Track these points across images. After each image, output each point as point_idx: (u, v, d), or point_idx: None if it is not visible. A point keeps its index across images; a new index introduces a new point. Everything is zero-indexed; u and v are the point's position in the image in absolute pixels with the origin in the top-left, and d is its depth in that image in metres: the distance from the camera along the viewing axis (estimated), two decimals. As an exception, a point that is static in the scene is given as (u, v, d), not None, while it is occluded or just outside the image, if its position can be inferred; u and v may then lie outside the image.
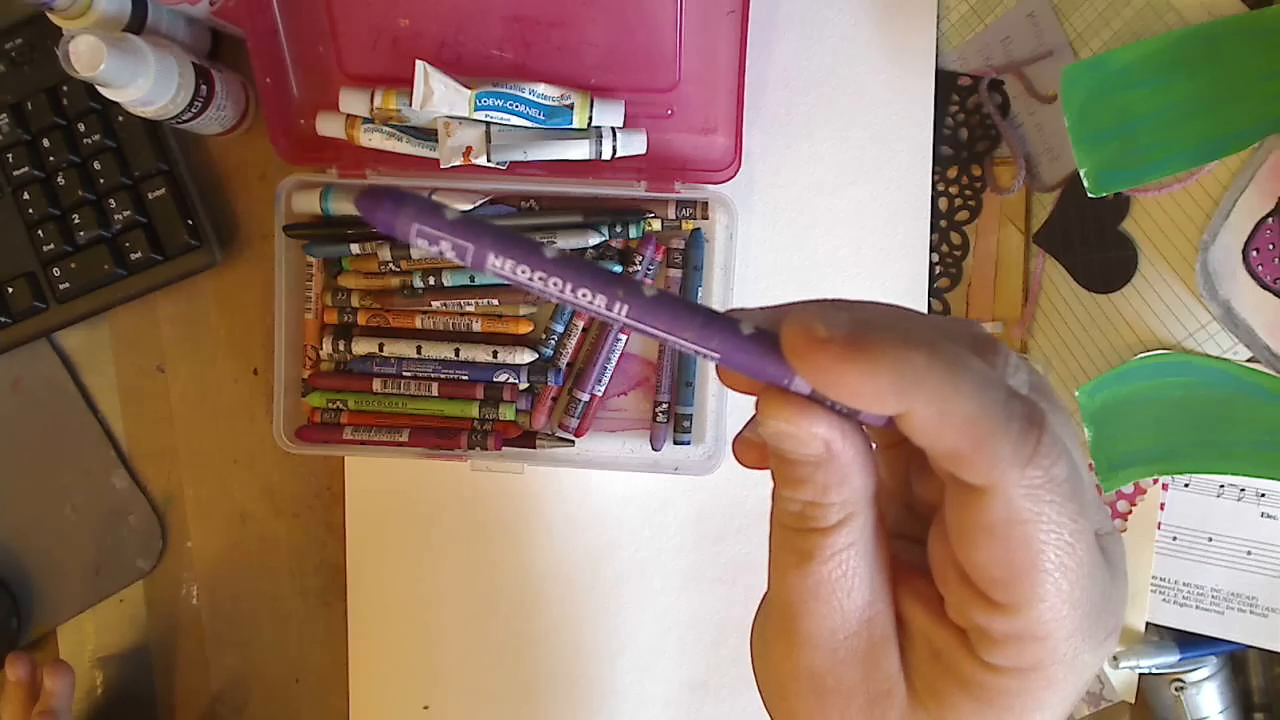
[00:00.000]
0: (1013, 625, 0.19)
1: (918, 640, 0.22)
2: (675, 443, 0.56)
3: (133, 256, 0.56)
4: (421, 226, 0.19)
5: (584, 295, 0.19)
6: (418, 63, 0.50)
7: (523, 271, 0.19)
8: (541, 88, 0.51)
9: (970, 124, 0.56)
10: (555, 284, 0.19)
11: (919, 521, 0.23)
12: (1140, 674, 0.55)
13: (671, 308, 0.20)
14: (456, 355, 0.56)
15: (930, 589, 0.22)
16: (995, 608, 0.20)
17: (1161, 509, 0.54)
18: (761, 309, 0.21)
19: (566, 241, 0.54)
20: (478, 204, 0.55)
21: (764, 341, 0.20)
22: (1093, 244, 0.53)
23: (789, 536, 0.21)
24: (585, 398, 0.56)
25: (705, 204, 0.55)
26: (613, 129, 0.52)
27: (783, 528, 0.21)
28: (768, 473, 0.22)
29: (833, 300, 0.21)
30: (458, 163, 0.51)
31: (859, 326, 0.18)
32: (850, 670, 0.21)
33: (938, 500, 0.21)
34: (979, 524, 0.19)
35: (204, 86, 0.53)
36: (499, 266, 0.19)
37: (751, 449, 0.23)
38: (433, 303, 0.56)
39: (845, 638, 0.21)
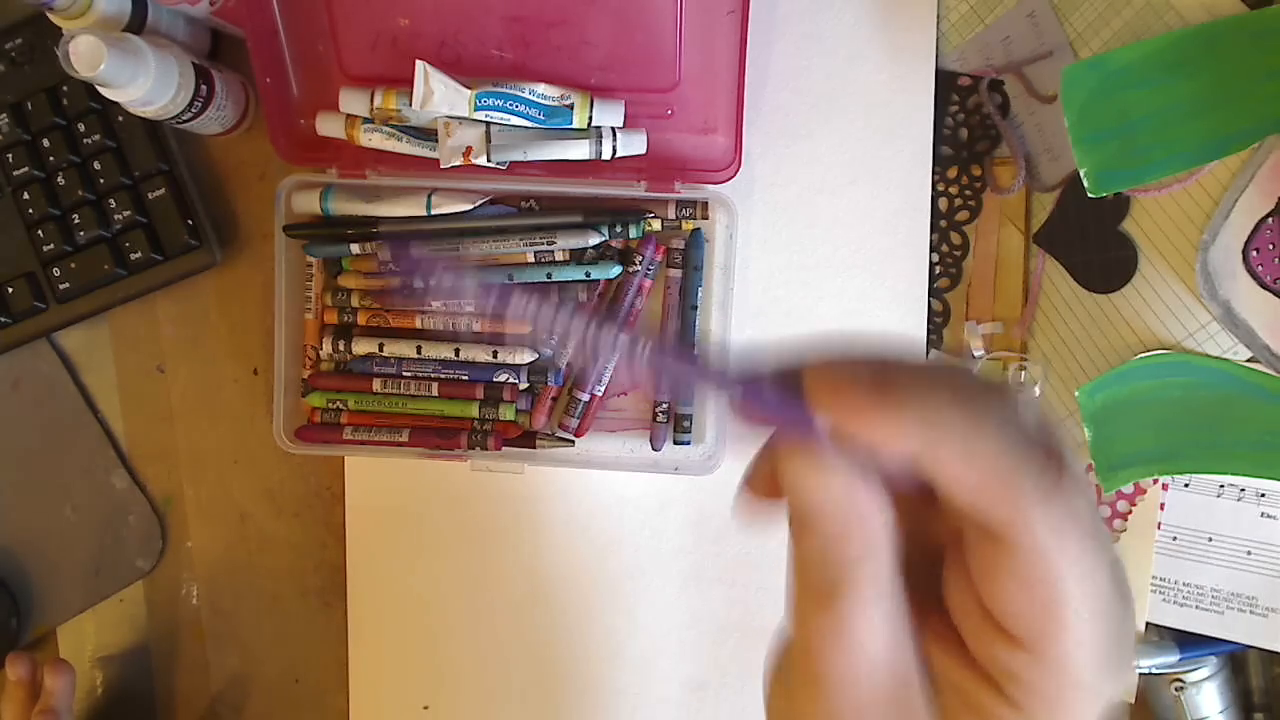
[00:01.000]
0: (1038, 662, 0.19)
1: (941, 680, 0.22)
2: (675, 443, 0.56)
3: (133, 256, 0.56)
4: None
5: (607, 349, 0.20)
6: (418, 63, 0.50)
7: (544, 324, 0.20)
8: (541, 88, 0.51)
9: (970, 124, 0.56)
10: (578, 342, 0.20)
11: (929, 562, 0.23)
12: (1140, 674, 0.55)
13: (688, 357, 0.21)
14: (456, 355, 0.56)
15: (949, 628, 0.21)
16: (1019, 645, 0.20)
17: (1161, 509, 0.54)
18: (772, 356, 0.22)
19: (566, 241, 0.54)
20: (478, 204, 0.55)
21: (785, 386, 0.20)
22: (1093, 244, 0.53)
23: (810, 580, 0.21)
24: (585, 398, 0.56)
25: (705, 204, 0.55)
26: (613, 129, 0.52)
27: (803, 572, 0.21)
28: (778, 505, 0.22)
29: (843, 348, 0.22)
30: (458, 163, 0.51)
31: (883, 369, 0.19)
32: (878, 713, 0.21)
33: (949, 540, 0.21)
34: (1002, 563, 0.19)
35: (204, 86, 0.53)
36: (522, 314, 0.20)
37: (764, 484, 0.23)
38: (433, 303, 0.56)
39: (872, 680, 0.21)
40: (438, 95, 0.50)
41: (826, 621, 0.20)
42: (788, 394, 0.20)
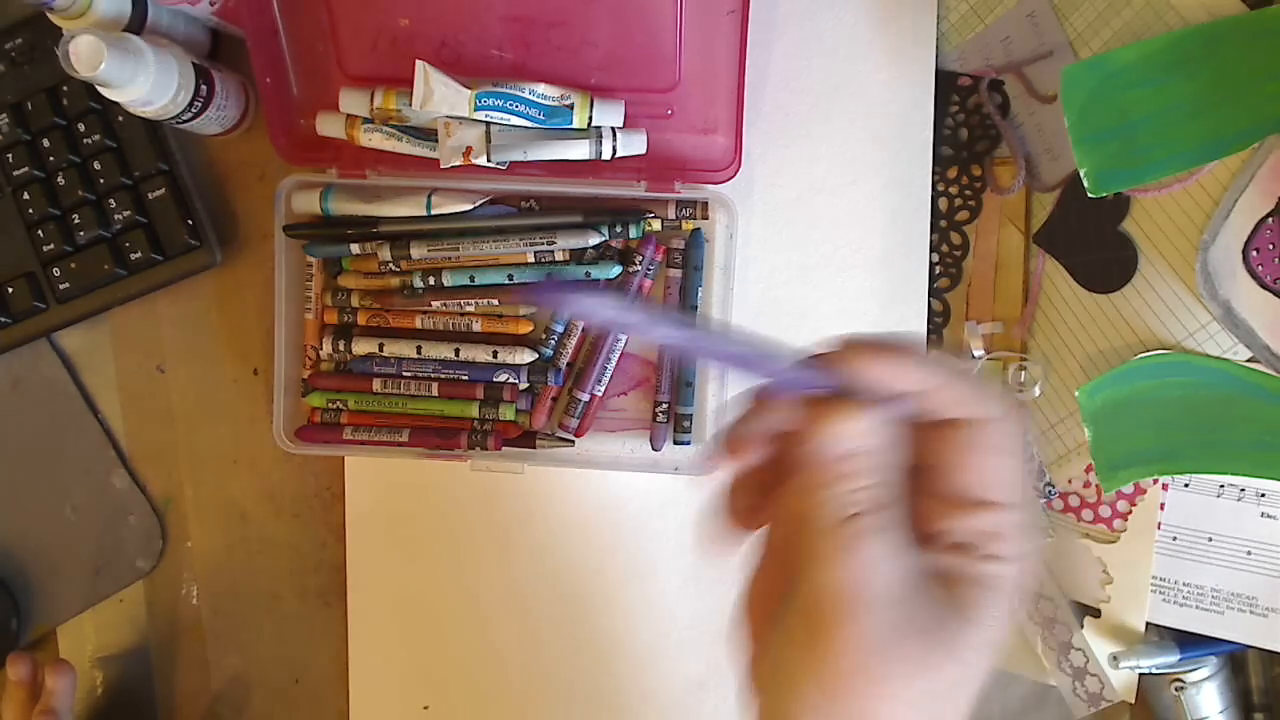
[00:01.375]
0: (1011, 510, 0.27)
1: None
2: (675, 443, 0.56)
3: (133, 256, 0.56)
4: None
5: (666, 336, 0.25)
6: (418, 63, 0.50)
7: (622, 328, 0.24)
8: (541, 88, 0.51)
9: (970, 124, 0.56)
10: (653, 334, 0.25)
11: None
12: (1140, 674, 0.55)
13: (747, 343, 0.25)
14: (456, 355, 0.56)
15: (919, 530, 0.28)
16: (995, 505, 0.27)
17: (1161, 509, 0.54)
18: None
19: (566, 241, 0.54)
20: (478, 204, 0.55)
21: (810, 363, 0.26)
22: (1093, 244, 0.53)
23: (836, 528, 0.25)
24: (585, 398, 0.56)
25: (705, 204, 0.55)
26: (613, 129, 0.52)
27: (824, 525, 0.25)
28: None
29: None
30: (458, 163, 0.51)
31: (889, 342, 0.26)
32: (903, 618, 0.25)
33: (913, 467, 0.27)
34: (973, 445, 0.27)
35: (204, 86, 0.53)
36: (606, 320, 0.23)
37: (744, 515, 0.29)
38: (433, 303, 0.56)
39: (893, 593, 0.25)
40: (438, 95, 0.50)
41: (859, 553, 0.25)
42: (811, 369, 0.26)
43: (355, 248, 0.56)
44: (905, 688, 0.25)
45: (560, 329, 0.56)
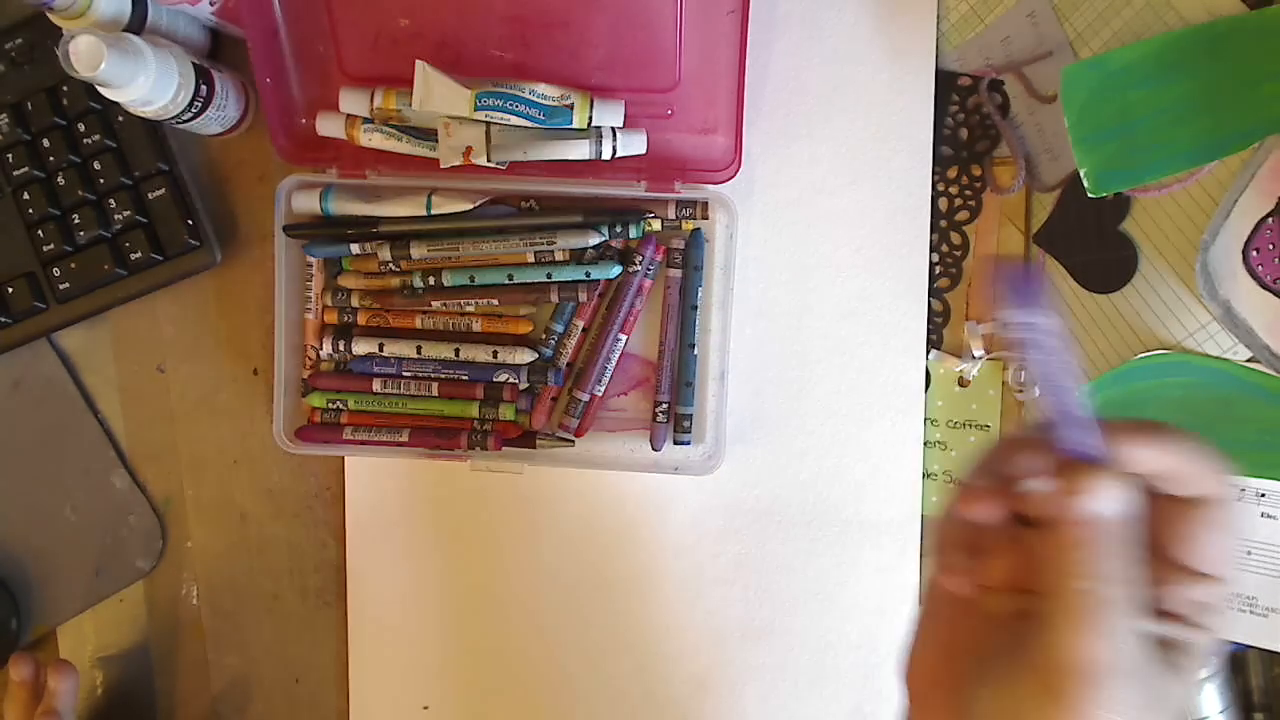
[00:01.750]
0: (1219, 584, 0.28)
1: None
2: (675, 443, 0.56)
3: (133, 256, 0.56)
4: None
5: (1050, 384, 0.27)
6: (418, 63, 0.50)
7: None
8: (541, 88, 0.51)
9: (970, 124, 0.56)
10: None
11: None
12: (1140, 674, 0.55)
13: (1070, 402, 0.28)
14: (456, 355, 0.56)
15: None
16: (1209, 580, 0.28)
17: (1161, 509, 0.54)
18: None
19: (566, 241, 0.54)
20: (478, 204, 0.55)
21: (1097, 427, 0.28)
22: (1093, 244, 0.53)
23: (1087, 592, 0.26)
24: (585, 398, 0.56)
25: (705, 204, 0.55)
26: (613, 129, 0.52)
27: (1081, 589, 0.26)
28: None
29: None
30: (458, 163, 0.51)
31: (1151, 425, 0.29)
32: (1147, 687, 0.26)
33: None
34: (1205, 521, 0.28)
35: (204, 86, 0.53)
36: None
37: (989, 502, 0.30)
38: (433, 303, 0.56)
39: (1137, 667, 0.26)
40: (438, 95, 0.50)
41: (1109, 621, 0.26)
42: (1094, 432, 0.28)
43: (355, 248, 0.56)
44: None
45: (560, 329, 0.56)
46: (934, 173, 0.56)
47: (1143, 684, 0.26)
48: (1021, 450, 0.29)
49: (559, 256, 0.55)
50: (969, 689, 0.29)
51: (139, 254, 0.56)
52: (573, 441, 0.57)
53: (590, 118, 0.52)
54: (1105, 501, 0.27)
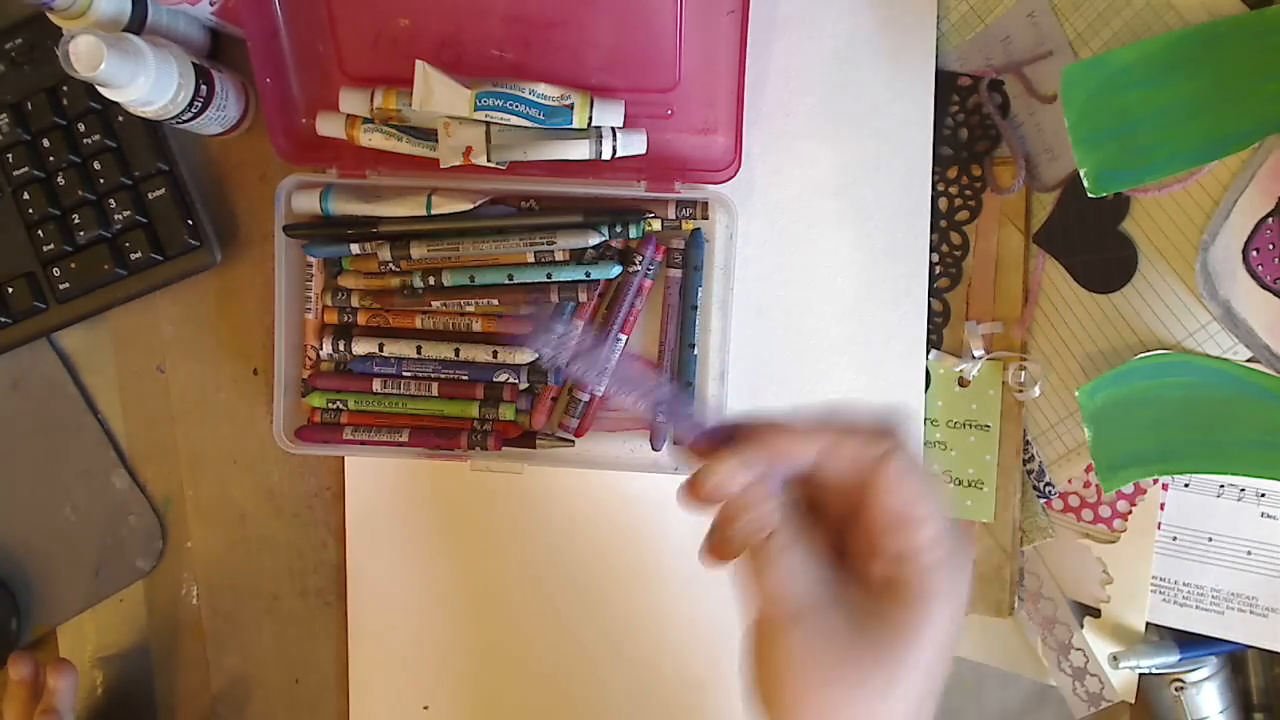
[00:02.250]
0: (924, 528, 0.31)
1: (849, 589, 0.32)
2: (675, 443, 0.56)
3: (133, 256, 0.56)
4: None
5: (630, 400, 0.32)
6: (418, 63, 0.50)
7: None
8: (541, 88, 0.51)
9: (970, 124, 0.56)
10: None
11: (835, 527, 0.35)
12: (1140, 674, 0.55)
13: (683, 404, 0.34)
14: (456, 355, 0.56)
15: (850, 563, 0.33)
16: (909, 521, 0.31)
17: (1161, 509, 0.54)
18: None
19: (566, 241, 0.54)
20: (478, 204, 0.55)
21: (720, 429, 0.33)
22: (1093, 244, 0.53)
23: (750, 562, 0.32)
24: (585, 398, 0.56)
25: (705, 204, 0.55)
26: (613, 129, 0.52)
27: (743, 561, 0.32)
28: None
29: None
30: (458, 163, 0.51)
31: (782, 423, 0.33)
32: (833, 629, 0.31)
33: (840, 510, 0.33)
34: (880, 482, 0.32)
35: (204, 86, 0.53)
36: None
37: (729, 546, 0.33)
38: (433, 303, 0.56)
39: (800, 597, 0.31)
40: (438, 95, 0.50)
41: (775, 578, 0.31)
42: (722, 432, 0.33)
43: (355, 248, 0.56)
44: (839, 693, 0.30)
45: (560, 329, 0.56)
46: (934, 173, 0.56)
47: (841, 625, 0.30)
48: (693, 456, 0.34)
49: (559, 256, 0.55)
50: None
51: (139, 254, 0.56)
52: (573, 441, 0.57)
53: (590, 118, 0.52)
54: (726, 476, 0.32)
